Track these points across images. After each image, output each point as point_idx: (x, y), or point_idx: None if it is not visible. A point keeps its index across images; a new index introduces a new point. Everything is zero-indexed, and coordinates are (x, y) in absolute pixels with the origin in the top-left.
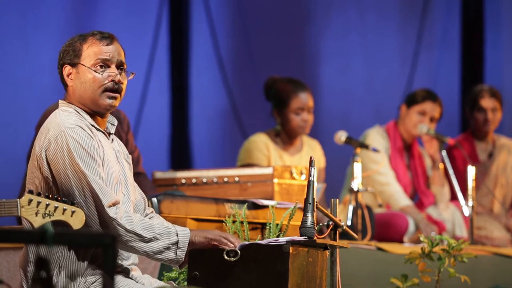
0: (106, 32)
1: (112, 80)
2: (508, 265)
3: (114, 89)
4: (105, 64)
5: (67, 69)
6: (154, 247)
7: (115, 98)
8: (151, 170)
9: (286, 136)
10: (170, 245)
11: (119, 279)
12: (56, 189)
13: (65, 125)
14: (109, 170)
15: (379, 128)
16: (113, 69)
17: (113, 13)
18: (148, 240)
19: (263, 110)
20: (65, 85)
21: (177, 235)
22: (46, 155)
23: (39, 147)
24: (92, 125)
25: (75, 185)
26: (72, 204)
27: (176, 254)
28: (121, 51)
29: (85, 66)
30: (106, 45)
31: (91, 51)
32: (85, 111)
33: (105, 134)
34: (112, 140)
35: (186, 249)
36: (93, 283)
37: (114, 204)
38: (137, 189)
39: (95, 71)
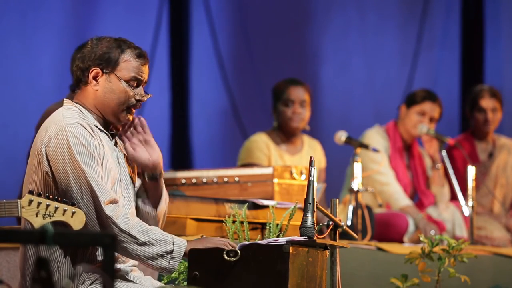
0: (141, 48)
1: (138, 100)
2: (508, 265)
3: (136, 107)
4: (137, 82)
5: (95, 71)
6: (147, 252)
7: (132, 114)
8: None
9: (284, 134)
10: (164, 253)
11: (117, 284)
12: (55, 186)
13: (66, 122)
14: (108, 170)
15: (379, 128)
16: (141, 90)
17: (113, 13)
18: (142, 244)
19: (263, 110)
20: (81, 82)
21: (173, 244)
22: (46, 151)
23: (40, 143)
24: (95, 126)
25: (74, 182)
26: (73, 204)
27: (169, 263)
28: (148, 72)
29: (120, 78)
30: (143, 65)
31: (130, 66)
32: (92, 112)
33: (108, 136)
34: (116, 142)
35: (180, 260)
36: (91, 283)
37: (112, 203)
38: None
39: (129, 86)
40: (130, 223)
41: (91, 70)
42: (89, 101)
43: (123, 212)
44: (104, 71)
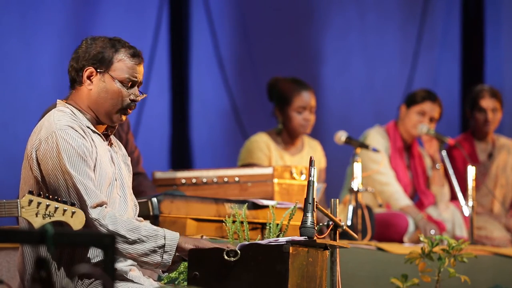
0: (135, 48)
1: (133, 100)
2: (508, 265)
3: (131, 108)
4: (132, 82)
5: (89, 71)
6: (138, 249)
7: (126, 115)
8: (151, 170)
9: (287, 136)
10: (157, 248)
11: (117, 284)
12: (46, 188)
13: (57, 126)
14: (102, 171)
15: (379, 128)
16: (136, 90)
17: (113, 13)
18: (133, 242)
19: (263, 110)
20: (75, 82)
21: (164, 238)
22: (36, 155)
23: (30, 147)
24: (88, 127)
25: (62, 185)
26: (72, 204)
27: (162, 258)
28: (143, 71)
29: (114, 78)
30: (138, 65)
31: (124, 66)
32: (84, 112)
33: (101, 137)
34: (110, 142)
35: (173, 253)
36: (90, 283)
37: (99, 205)
38: (132, 197)
39: (123, 86)
40: (118, 222)
41: (85, 70)
42: (83, 101)
43: (110, 212)
44: (98, 70)
